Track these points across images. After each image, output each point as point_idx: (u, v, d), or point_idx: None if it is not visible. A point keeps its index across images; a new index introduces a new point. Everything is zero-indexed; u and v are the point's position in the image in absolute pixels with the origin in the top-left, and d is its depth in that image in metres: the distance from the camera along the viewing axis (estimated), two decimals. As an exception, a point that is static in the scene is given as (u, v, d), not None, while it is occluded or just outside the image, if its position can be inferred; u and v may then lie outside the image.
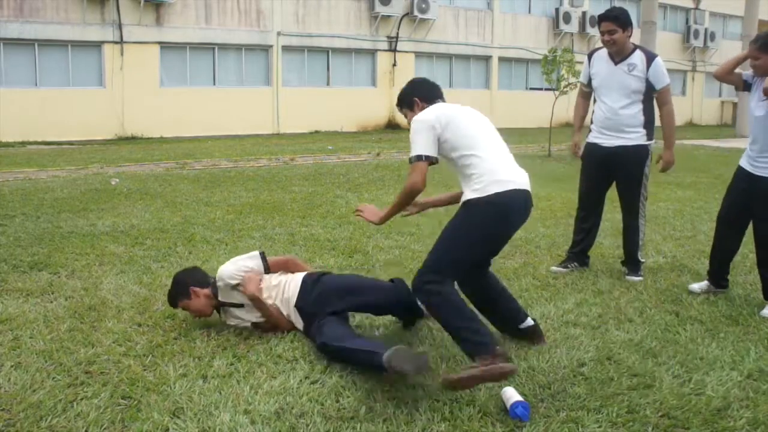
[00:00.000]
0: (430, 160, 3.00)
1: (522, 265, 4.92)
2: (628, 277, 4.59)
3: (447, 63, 23.67)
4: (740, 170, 4.15)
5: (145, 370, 3.04)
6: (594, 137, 4.68)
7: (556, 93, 13.64)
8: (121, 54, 17.33)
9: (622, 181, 4.64)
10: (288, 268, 3.66)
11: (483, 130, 3.13)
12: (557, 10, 24.97)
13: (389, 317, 3.65)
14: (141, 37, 17.58)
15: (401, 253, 5.22)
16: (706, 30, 29.18)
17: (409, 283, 3.18)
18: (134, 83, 17.45)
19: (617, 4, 24.84)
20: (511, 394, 2.70)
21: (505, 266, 4.87)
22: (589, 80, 4.72)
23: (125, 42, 17.35)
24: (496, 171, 3.01)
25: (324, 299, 3.35)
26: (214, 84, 19.20)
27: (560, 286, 4.39)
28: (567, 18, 24.93)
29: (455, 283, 3.08)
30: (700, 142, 18.12)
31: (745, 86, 4.11)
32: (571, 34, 25.08)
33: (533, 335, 3.34)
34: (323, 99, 20.54)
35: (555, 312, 3.86)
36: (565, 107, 14.29)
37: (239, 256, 3.66)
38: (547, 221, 6.57)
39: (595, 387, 2.90)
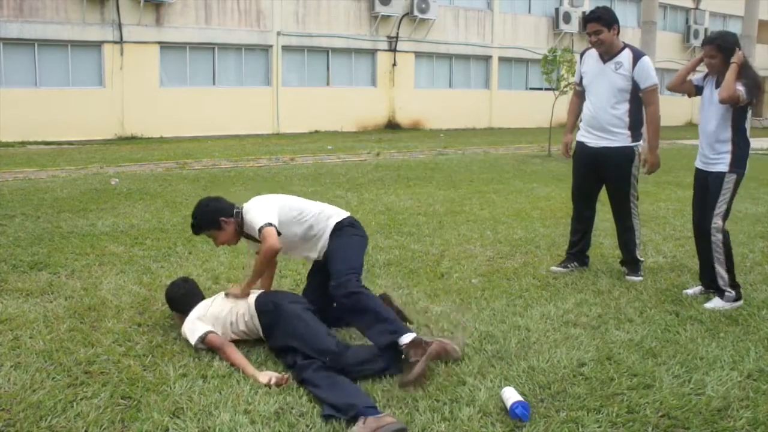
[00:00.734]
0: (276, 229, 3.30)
1: (522, 265, 4.92)
2: (628, 277, 4.59)
3: (447, 63, 23.66)
4: (695, 170, 4.22)
5: (145, 370, 3.04)
6: (581, 136, 4.69)
7: (556, 93, 13.64)
8: (121, 54, 17.32)
9: (610, 181, 4.64)
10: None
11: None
12: (557, 10, 24.96)
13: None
14: (141, 37, 17.58)
15: (401, 253, 5.22)
16: (706, 30, 29.09)
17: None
18: (134, 83, 17.44)
19: (616, 5, 24.87)
20: (511, 394, 2.71)
21: (505, 266, 4.88)
22: (582, 79, 4.72)
23: (125, 42, 17.34)
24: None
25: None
26: (214, 84, 19.19)
27: (560, 286, 4.39)
28: (567, 18, 24.92)
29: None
30: (700, 142, 18.08)
31: (697, 91, 4.15)
32: (571, 34, 25.06)
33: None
34: (323, 99, 20.53)
35: (555, 312, 3.86)
36: (565, 107, 14.14)
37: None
38: (547, 221, 6.58)
39: (595, 387, 2.90)
